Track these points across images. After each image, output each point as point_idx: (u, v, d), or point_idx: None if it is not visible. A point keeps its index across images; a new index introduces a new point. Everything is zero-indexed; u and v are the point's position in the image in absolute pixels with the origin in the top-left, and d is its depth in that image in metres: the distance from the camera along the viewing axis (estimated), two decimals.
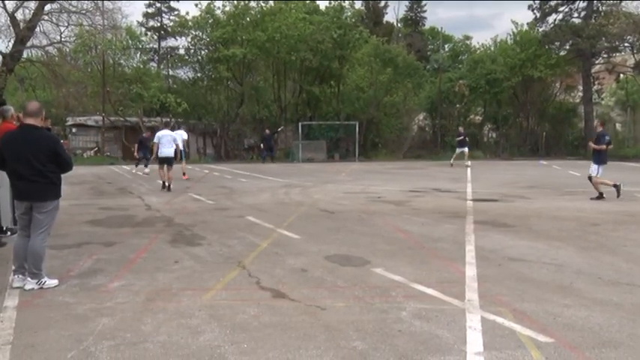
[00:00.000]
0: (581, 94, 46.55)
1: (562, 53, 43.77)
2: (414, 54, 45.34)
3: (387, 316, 5.75)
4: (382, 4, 57.33)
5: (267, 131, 36.78)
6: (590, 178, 15.94)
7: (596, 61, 44.99)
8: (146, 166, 26.23)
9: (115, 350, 4.77)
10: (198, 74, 42.18)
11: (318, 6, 41.98)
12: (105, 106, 38.55)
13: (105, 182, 21.87)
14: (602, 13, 42.72)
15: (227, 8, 38.98)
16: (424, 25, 58.68)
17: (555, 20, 44.45)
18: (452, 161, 30.81)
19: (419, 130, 47.13)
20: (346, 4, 40.74)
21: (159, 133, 18.25)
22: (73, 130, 40.31)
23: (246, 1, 38.82)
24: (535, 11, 44.90)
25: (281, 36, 36.95)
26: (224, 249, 9.13)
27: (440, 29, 55.09)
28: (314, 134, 39.38)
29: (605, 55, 44.55)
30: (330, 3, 40.80)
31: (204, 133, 39.99)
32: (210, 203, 14.90)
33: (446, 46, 53.73)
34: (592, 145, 16.13)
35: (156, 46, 47.98)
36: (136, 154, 28.08)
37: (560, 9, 44.57)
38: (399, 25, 57.11)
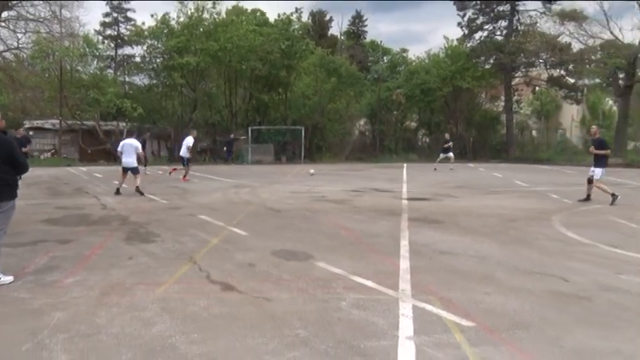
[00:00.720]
0: (503, 103, 47.38)
1: (487, 67, 44.46)
2: (356, 65, 45.54)
3: (327, 305, 5.76)
4: (327, 17, 57.71)
5: (232, 135, 36.55)
6: (590, 180, 15.40)
7: (516, 75, 45.83)
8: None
9: (70, 342, 4.66)
10: (154, 81, 41.35)
11: (267, 19, 41.85)
12: (62, 110, 37.35)
13: (62, 183, 21.16)
14: (521, 32, 43.60)
15: (181, 19, 38.43)
16: (365, 38, 59.05)
17: (481, 37, 45.24)
18: (436, 165, 30.39)
19: (360, 135, 47.34)
20: (294, 17, 40.66)
21: (122, 142, 17.55)
22: (31, 133, 39.21)
23: (200, 13, 38.33)
24: (464, 28, 45.58)
25: (232, 46, 36.64)
26: (176, 245, 8.95)
27: (379, 42, 55.58)
28: (263, 138, 39.24)
29: (523, 70, 45.45)
30: (278, 16, 40.71)
31: (158, 137, 39.19)
32: (164, 203, 14.61)
33: (385, 57, 54.07)
34: (594, 150, 15.59)
35: (113, 53, 47.09)
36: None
37: (485, 27, 45.34)
38: (342, 37, 57.32)
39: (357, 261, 7.83)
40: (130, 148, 16.69)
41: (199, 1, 38.22)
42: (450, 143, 30.92)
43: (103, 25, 49.59)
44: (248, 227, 10.68)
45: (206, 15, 38.58)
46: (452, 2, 45.75)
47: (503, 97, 47.16)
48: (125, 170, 16.81)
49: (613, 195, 14.82)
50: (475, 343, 4.71)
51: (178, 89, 40.19)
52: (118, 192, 16.33)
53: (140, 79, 42.91)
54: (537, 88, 48.51)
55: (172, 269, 7.29)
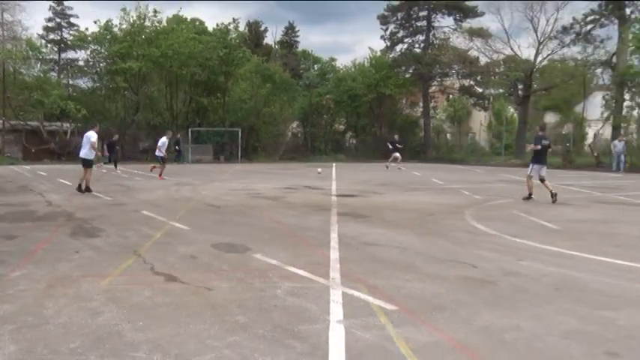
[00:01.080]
0: (421, 109, 48.24)
1: (407, 76, 45.20)
2: (289, 72, 45.56)
3: (264, 294, 5.74)
4: (262, 28, 57.33)
5: (179, 135, 35.90)
6: (542, 179, 15.07)
7: (432, 83, 46.80)
8: (115, 165, 26.29)
9: (17, 333, 4.50)
10: (97, 84, 40.40)
11: (206, 27, 41.45)
12: (5, 111, 36.16)
13: (5, 181, 20.44)
14: (436, 46, 44.54)
15: (124, 26, 37.74)
16: (297, 47, 58.97)
17: (402, 49, 46.03)
18: (387, 164, 30.42)
19: (293, 136, 47.36)
20: (231, 27, 40.43)
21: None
22: None
23: (142, 21, 37.69)
24: (386, 41, 46.26)
25: (173, 52, 36.20)
26: (121, 240, 8.75)
27: (310, 52, 55.85)
28: (202, 139, 38.90)
29: (438, 79, 46.48)
30: (217, 25, 40.38)
31: (102, 137, 38.32)
32: (108, 199, 14.27)
33: (315, 66, 54.23)
34: (529, 146, 15.83)
35: (56, 57, 45.70)
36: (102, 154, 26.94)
37: (405, 40, 46.15)
38: (276, 46, 57.14)
39: (291, 252, 7.83)
40: (85, 140, 15.83)
41: (141, 9, 37.58)
42: (398, 144, 31.03)
43: (46, 29, 48.10)
44: (189, 222, 10.54)
45: (148, 23, 37.97)
46: (376, 17, 46.33)
47: (421, 104, 48.04)
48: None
49: (529, 195, 14.92)
50: (398, 325, 4.78)
51: (121, 92, 39.37)
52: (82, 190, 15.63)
53: (84, 82, 41.86)
54: (451, 95, 49.62)
55: (117, 262, 7.12)
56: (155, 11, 38.22)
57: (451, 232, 9.93)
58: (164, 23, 38.97)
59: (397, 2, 44.88)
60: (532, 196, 14.95)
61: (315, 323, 4.84)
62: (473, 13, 44.20)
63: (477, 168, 33.61)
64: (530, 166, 15.29)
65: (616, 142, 31.88)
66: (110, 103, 40.29)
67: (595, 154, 37.12)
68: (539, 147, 15.02)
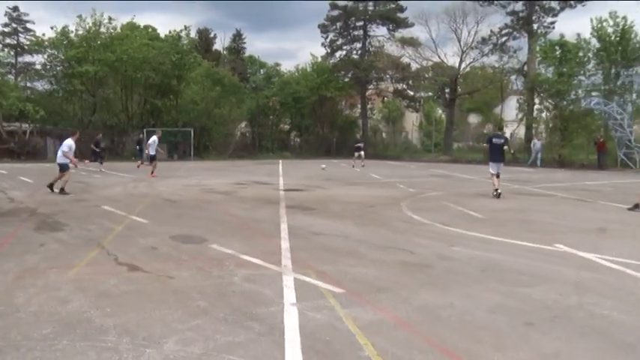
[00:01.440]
0: (359, 110, 48.62)
1: (346, 80, 45.37)
2: (237, 76, 45.14)
3: (222, 280, 5.73)
4: (212, 35, 56.78)
5: (141, 136, 35.27)
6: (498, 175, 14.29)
7: (369, 87, 47.10)
8: (101, 163, 25.37)
9: None
10: (55, 86, 38.97)
11: (158, 34, 40.57)
12: None
13: None
14: (372, 53, 44.96)
15: (80, 32, 36.61)
16: (245, 53, 58.35)
17: (341, 55, 46.15)
18: (353, 162, 29.67)
19: (241, 136, 46.94)
20: (183, 34, 39.92)
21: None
22: None
23: (97, 27, 36.70)
24: (327, 48, 46.34)
25: (128, 57, 35.36)
26: (84, 233, 8.53)
27: (257, 57, 55.34)
28: (136, 138, 37.99)
29: (374, 83, 46.81)
30: (169, 32, 39.67)
31: (60, 137, 37.16)
32: (69, 196, 13.77)
33: (261, 70, 53.89)
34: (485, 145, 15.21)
35: (13, 61, 44.08)
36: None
37: (344, 47, 46.31)
38: (225, 52, 56.52)
39: (245, 242, 7.79)
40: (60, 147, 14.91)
41: (97, 16, 36.66)
42: (361, 144, 30.39)
43: (3, 34, 46.35)
44: (148, 216, 10.35)
45: (103, 29, 37.00)
46: (317, 26, 46.39)
47: (359, 105, 48.41)
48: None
49: (495, 191, 14.06)
50: (346, 306, 4.85)
51: (78, 94, 38.23)
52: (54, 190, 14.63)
53: (41, 85, 40.44)
54: (386, 98, 50.10)
55: (82, 254, 6.95)
56: (110, 18, 37.47)
57: (390, 221, 10.04)
58: (119, 30, 38.00)
59: (336, 13, 45.02)
60: (498, 192, 14.00)
61: (271, 306, 4.86)
62: (404, 23, 44.76)
63: (410, 164, 34.07)
64: (489, 164, 14.63)
65: (535, 140, 32.81)
66: (68, 105, 39.06)
67: (512, 151, 38.22)
68: (487, 145, 15.14)
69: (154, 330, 4.24)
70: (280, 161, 34.92)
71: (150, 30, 40.65)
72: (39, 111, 33.27)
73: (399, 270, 6.27)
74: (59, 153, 14.75)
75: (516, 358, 3.78)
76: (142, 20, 64.65)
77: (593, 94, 32.10)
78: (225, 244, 7.62)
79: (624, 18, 30.57)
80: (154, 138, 22.19)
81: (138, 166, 23.89)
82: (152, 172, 21.25)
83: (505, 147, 14.55)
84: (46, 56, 38.26)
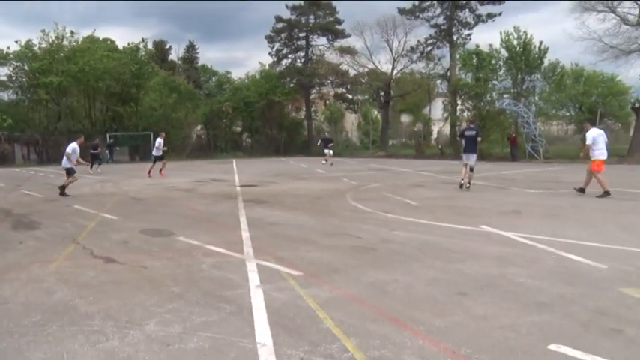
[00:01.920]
0: (304, 112, 48.68)
1: (291, 85, 45.33)
2: (192, 83, 44.47)
3: (192, 268, 5.71)
4: (167, 46, 55.50)
5: (112, 140, 34.39)
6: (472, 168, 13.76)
7: (312, 91, 47.23)
8: (99, 164, 24.41)
9: None
10: (21, 96, 37.33)
11: (117, 46, 39.50)
12: None
13: None
14: (314, 61, 45.09)
15: (43, 45, 35.27)
16: (198, 62, 57.34)
17: (286, 63, 46.00)
18: (324, 161, 28.15)
19: (197, 138, 46.28)
20: (141, 45, 39.04)
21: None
22: None
23: (60, 41, 35.50)
24: (273, 57, 46.09)
25: (90, 68, 34.31)
26: (59, 230, 8.30)
27: (210, 66, 54.65)
28: (119, 142, 37.08)
29: (317, 88, 46.94)
30: (128, 44, 38.78)
31: (27, 143, 35.85)
32: (40, 197, 13.34)
33: (213, 78, 53.20)
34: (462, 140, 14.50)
35: None
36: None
37: (289, 56, 46.17)
38: (179, 62, 55.42)
39: (209, 234, 7.76)
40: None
41: (59, 31, 35.47)
42: (332, 144, 29.40)
43: None
44: (117, 213, 10.14)
45: (66, 42, 35.81)
46: (264, 37, 46.12)
47: (304, 108, 48.48)
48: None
49: (461, 184, 13.73)
50: (304, 286, 4.94)
51: (44, 103, 36.76)
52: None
53: (8, 95, 38.74)
54: (327, 101, 50.34)
55: (60, 249, 6.79)
56: (72, 32, 36.44)
57: (337, 211, 10.12)
58: (80, 43, 36.88)
59: (281, 25, 44.90)
60: (463, 183, 13.68)
61: (238, 289, 4.90)
62: (342, 34, 45.09)
63: (351, 160, 34.38)
64: (463, 156, 14.01)
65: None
66: (34, 113, 37.46)
67: (439, 146, 39.20)
68: (461, 138, 14.48)
69: (134, 314, 4.23)
70: (234, 160, 34.64)
71: (109, 42, 39.63)
72: (6, 119, 31.96)
73: (348, 253, 6.38)
74: (64, 157, 13.97)
75: (452, 321, 3.99)
76: (101, 33, 63.09)
77: (505, 96, 33.30)
78: (191, 236, 7.57)
79: (525, 32, 32.07)
80: (159, 140, 21.37)
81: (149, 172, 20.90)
82: (160, 171, 20.69)
83: (478, 138, 13.90)
84: (11, 68, 36.65)
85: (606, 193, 11.65)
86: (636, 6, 27.54)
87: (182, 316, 4.17)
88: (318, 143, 30.46)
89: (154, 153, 21.37)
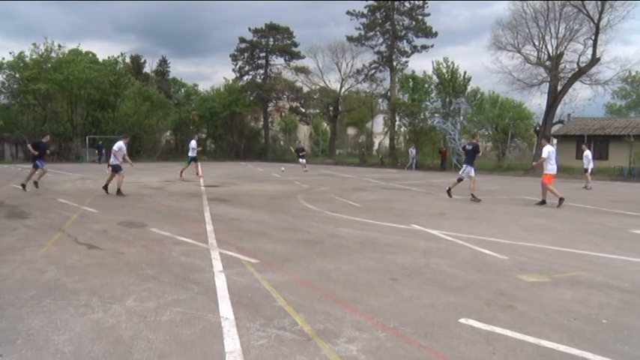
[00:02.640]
0: (262, 123, 48.57)
1: (252, 98, 45.18)
2: (163, 94, 43.69)
3: (164, 255, 5.78)
4: (142, 60, 54.34)
5: (100, 142, 33.60)
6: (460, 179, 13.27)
7: (270, 104, 47.24)
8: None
9: None
10: (12, 101, 36.62)
11: (97, 58, 38.83)
12: None
13: None
14: (272, 77, 45.14)
15: (34, 56, 35.19)
16: (169, 75, 56.22)
17: (247, 79, 45.77)
18: (283, 168, 27.14)
19: (167, 143, 45.45)
20: (120, 59, 38.73)
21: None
22: None
23: (49, 53, 35.51)
24: (236, 73, 45.76)
25: (74, 77, 34.10)
26: (47, 220, 8.23)
27: (180, 79, 53.73)
28: (97, 144, 36.32)
29: (274, 101, 46.97)
30: (108, 58, 38.46)
31: (16, 142, 35.13)
32: (27, 191, 12.91)
33: (182, 89, 52.30)
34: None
35: None
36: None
37: (250, 73, 45.93)
38: (152, 74, 54.23)
39: (178, 226, 7.80)
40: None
41: (48, 44, 35.75)
42: (303, 152, 27.80)
43: None
44: (97, 206, 10.03)
45: (53, 54, 35.94)
46: (228, 55, 45.79)
47: (262, 119, 48.37)
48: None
49: (449, 190, 13.33)
50: (261, 272, 5.08)
51: (31, 108, 36.26)
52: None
53: (0, 100, 37.84)
54: (283, 113, 50.38)
55: (48, 236, 6.78)
56: (59, 45, 36.59)
57: (290, 210, 10.27)
58: (66, 54, 36.62)
59: (244, 45, 44.72)
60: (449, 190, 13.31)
61: (204, 273, 5.01)
62: (297, 55, 45.29)
63: (302, 166, 34.49)
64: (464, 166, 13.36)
65: (411, 149, 33.93)
66: (22, 116, 36.76)
67: (380, 156, 39.92)
68: (464, 150, 13.75)
69: (115, 291, 4.31)
70: (199, 163, 34.13)
71: (90, 55, 38.99)
72: None
73: (299, 245, 6.55)
74: (112, 155, 13.02)
75: (385, 301, 4.26)
76: (84, 46, 61.62)
77: (436, 115, 34.35)
78: (162, 227, 7.61)
79: (452, 62, 33.40)
80: (194, 142, 20.25)
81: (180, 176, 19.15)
82: (197, 173, 19.44)
83: (478, 154, 13.22)
84: (4, 76, 36.31)
85: (561, 200, 11.59)
86: (535, 50, 29.28)
87: (156, 294, 4.27)
88: (294, 151, 28.55)
89: (190, 154, 19.89)
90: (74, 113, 37.79)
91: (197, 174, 19.50)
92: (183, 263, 5.41)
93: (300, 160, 26.70)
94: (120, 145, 13.02)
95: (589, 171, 17.98)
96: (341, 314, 3.89)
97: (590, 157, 18.25)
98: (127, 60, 41.99)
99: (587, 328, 3.71)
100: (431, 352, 3.21)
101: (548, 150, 12.03)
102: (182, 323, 3.61)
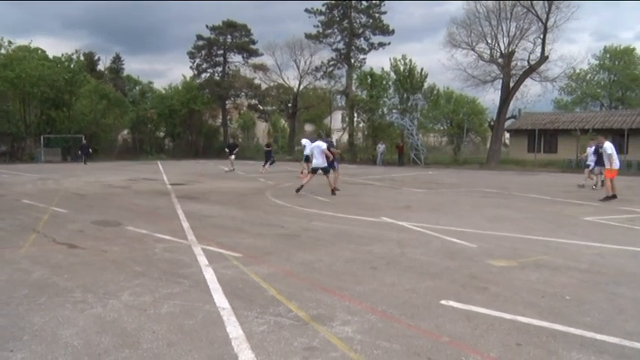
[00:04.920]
0: (220, 120, 48.12)
1: (210, 96, 44.65)
2: (120, 92, 42.64)
3: (148, 252, 5.81)
4: (96, 57, 52.72)
5: (84, 141, 32.17)
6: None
7: (228, 102, 46.85)
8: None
9: None
10: None
11: (47, 55, 37.27)
12: None
13: None
14: (231, 75, 44.81)
15: None
16: (123, 72, 54.78)
17: (206, 77, 45.23)
18: (264, 168, 23.75)
19: (124, 141, 44.30)
20: (74, 56, 37.12)
21: (310, 145, 13.81)
22: None
23: None
24: (194, 70, 45.15)
25: (26, 75, 32.50)
26: (17, 222, 8.00)
27: (137, 77, 52.40)
28: (52, 144, 34.93)
29: (233, 99, 46.64)
30: (61, 55, 36.76)
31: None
32: None
33: (137, 87, 51.09)
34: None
35: None
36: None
37: (208, 70, 45.38)
38: (106, 72, 52.63)
39: (154, 224, 7.79)
40: (318, 150, 12.67)
41: None
42: (237, 149, 26.01)
43: None
44: (66, 206, 9.82)
45: (3, 51, 34.31)
46: (185, 53, 45.11)
47: (220, 116, 47.92)
48: (315, 170, 12.79)
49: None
50: (246, 265, 5.23)
51: None
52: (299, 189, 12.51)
53: None
54: (241, 111, 50.09)
55: (24, 237, 6.63)
56: (9, 42, 34.96)
57: (261, 206, 10.40)
58: (16, 51, 34.95)
59: (201, 43, 44.14)
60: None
61: (191, 268, 5.11)
62: (255, 53, 45.13)
63: (262, 163, 34.43)
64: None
65: (380, 144, 34.27)
66: None
67: (339, 152, 40.37)
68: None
69: (108, 288, 4.37)
70: (159, 162, 33.54)
71: (40, 52, 37.41)
72: None
73: (277, 239, 6.71)
74: (322, 158, 12.58)
75: (369, 288, 4.52)
76: (33, 42, 58.74)
77: (393, 111, 35.07)
78: (138, 226, 7.59)
79: (410, 60, 34.19)
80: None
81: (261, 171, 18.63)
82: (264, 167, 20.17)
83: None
84: None
85: (614, 197, 11.65)
86: (488, 47, 30.53)
87: (150, 288, 4.37)
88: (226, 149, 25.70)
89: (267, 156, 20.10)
90: (27, 112, 36.16)
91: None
92: (169, 259, 5.49)
93: (231, 157, 23.60)
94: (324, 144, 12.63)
95: (590, 168, 15.13)
96: (331, 301, 4.12)
97: (591, 151, 14.89)
98: (81, 57, 40.45)
99: (554, 304, 4.09)
100: (420, 330, 3.49)
101: (612, 146, 12.04)
102: (182, 314, 3.74)
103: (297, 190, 12.47)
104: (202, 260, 5.44)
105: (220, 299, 4.10)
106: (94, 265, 5.22)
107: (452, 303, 4.08)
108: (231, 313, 3.78)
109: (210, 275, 4.82)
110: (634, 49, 47.32)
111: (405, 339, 3.32)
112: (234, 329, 3.44)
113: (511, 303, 4.10)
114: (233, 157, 23.81)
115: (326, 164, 12.56)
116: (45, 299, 4.04)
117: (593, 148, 14.31)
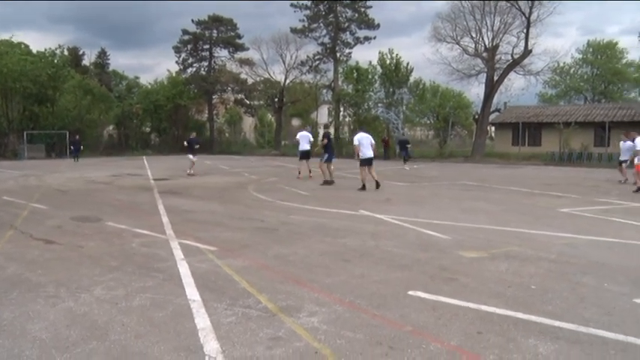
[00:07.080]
0: (207, 115, 47.86)
1: (196, 91, 44.42)
2: (105, 87, 42.19)
3: (124, 247, 5.84)
4: (81, 52, 52.08)
5: (77, 137, 31.29)
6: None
7: (215, 97, 46.63)
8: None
9: None
10: None
11: (31, 50, 36.62)
12: None
13: None
14: (217, 70, 44.56)
15: None
16: (109, 67, 54.18)
17: (191, 71, 44.91)
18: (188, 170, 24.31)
19: (109, 137, 43.85)
20: (58, 51, 36.66)
21: (358, 137, 12.83)
22: None
23: None
24: (180, 65, 44.79)
25: (8, 70, 31.83)
26: None
27: (122, 72, 52.02)
28: (35, 140, 34.43)
29: (219, 93, 46.40)
30: (45, 50, 36.16)
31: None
32: None
33: (123, 82, 50.59)
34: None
35: None
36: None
37: (194, 65, 45.05)
38: (91, 67, 52.03)
39: (134, 219, 7.81)
40: (367, 141, 12.54)
41: None
42: (197, 146, 26.49)
43: None
44: (46, 203, 9.79)
45: None
46: (171, 47, 44.70)
47: (207, 111, 47.64)
48: (369, 162, 12.55)
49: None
50: (221, 258, 5.29)
51: None
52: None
53: None
54: (228, 105, 49.84)
55: (0, 234, 6.57)
56: None
57: (242, 200, 10.45)
58: None
59: (187, 37, 43.81)
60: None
61: (166, 262, 5.16)
62: (241, 47, 44.89)
63: (249, 157, 34.41)
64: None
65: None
66: None
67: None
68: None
69: (82, 282, 4.40)
70: (144, 157, 33.35)
71: (23, 46, 36.71)
72: None
73: (255, 233, 6.78)
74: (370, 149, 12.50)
75: (339, 280, 4.60)
76: (15, 37, 57.84)
77: (379, 105, 35.22)
78: (117, 221, 7.60)
79: (397, 54, 34.27)
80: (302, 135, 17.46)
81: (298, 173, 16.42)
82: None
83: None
84: None
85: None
86: (473, 42, 30.74)
87: (123, 282, 4.41)
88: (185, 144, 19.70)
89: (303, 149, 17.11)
90: (9, 108, 35.53)
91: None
92: (145, 254, 5.53)
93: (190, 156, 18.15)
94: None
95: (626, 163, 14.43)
96: (300, 293, 4.19)
97: (627, 147, 14.21)
98: (65, 52, 39.85)
99: (519, 293, 4.21)
100: (384, 320, 3.58)
101: None
102: (153, 307, 3.79)
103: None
104: (178, 254, 5.48)
105: (192, 292, 4.15)
106: (69, 260, 5.24)
107: (419, 293, 4.17)
108: (201, 305, 3.84)
109: (184, 269, 4.87)
110: (616, 43, 48.02)
111: (369, 328, 3.40)
112: (202, 320, 3.50)
113: (477, 293, 4.20)
114: (193, 157, 18.04)
115: (372, 155, 12.50)
116: (16, 294, 4.06)
117: (627, 143, 13.91)
